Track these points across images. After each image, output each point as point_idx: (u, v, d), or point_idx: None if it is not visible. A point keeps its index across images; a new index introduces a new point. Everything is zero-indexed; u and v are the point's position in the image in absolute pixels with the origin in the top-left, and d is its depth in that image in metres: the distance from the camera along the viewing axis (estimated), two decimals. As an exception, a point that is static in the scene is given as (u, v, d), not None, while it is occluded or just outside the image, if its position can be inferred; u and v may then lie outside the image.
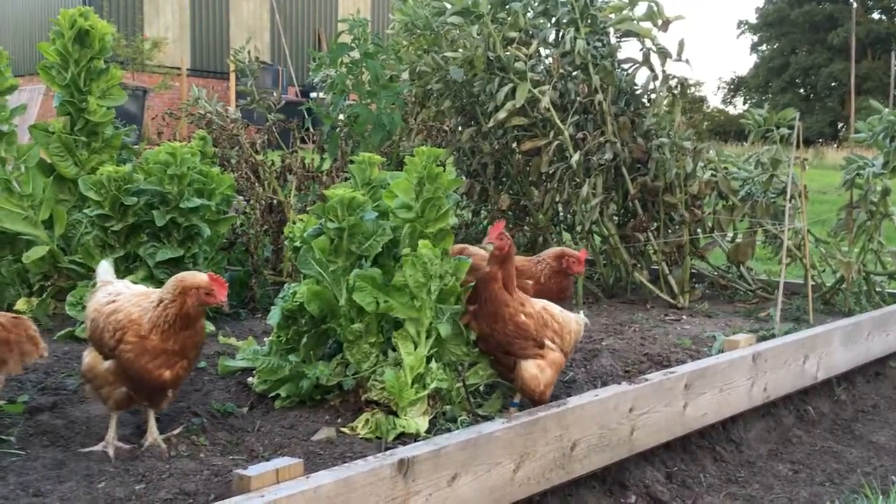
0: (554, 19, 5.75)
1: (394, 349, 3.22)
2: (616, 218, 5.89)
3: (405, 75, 6.02)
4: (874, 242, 5.63)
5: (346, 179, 4.17)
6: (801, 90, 48.52)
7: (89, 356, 2.88)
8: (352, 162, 3.64)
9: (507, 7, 5.69)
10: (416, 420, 3.06)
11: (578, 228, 5.88)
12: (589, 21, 5.63)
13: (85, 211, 4.45)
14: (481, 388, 3.42)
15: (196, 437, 2.96)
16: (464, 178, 6.16)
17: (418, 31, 5.94)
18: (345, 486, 2.34)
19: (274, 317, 3.41)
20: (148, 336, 2.71)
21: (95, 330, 2.82)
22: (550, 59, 5.68)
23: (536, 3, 5.75)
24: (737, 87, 54.02)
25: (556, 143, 5.49)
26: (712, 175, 5.75)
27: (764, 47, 51.74)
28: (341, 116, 5.81)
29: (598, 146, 5.51)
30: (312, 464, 2.74)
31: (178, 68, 19.39)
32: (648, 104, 5.79)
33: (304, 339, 3.37)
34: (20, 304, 4.61)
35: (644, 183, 5.54)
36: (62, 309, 4.47)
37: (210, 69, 20.74)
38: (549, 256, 3.93)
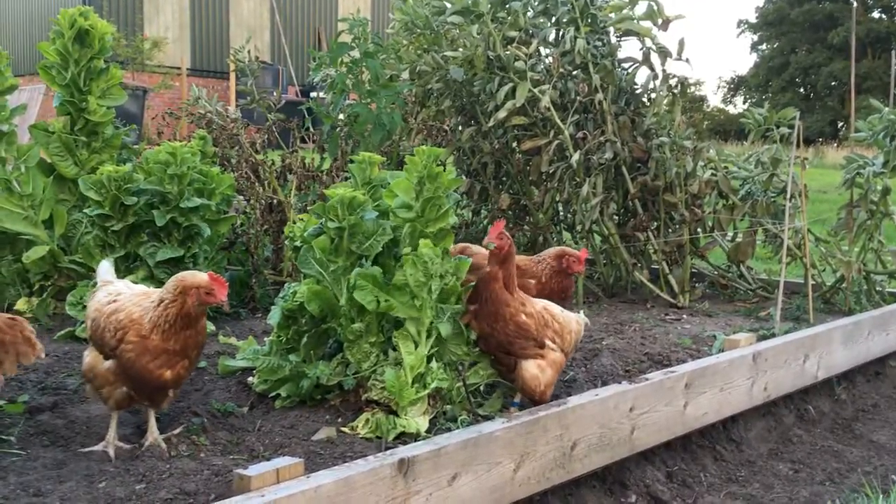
0: (554, 18, 5.75)
1: (394, 349, 3.22)
2: (616, 217, 5.89)
3: (405, 75, 6.01)
4: (874, 241, 5.63)
5: (347, 179, 4.17)
6: (802, 89, 48.51)
7: (90, 356, 2.88)
8: (352, 161, 3.64)
9: (507, 6, 5.69)
10: (417, 420, 3.06)
11: (578, 228, 5.88)
12: (589, 20, 5.63)
13: (85, 211, 4.45)
14: (482, 388, 3.42)
15: (196, 436, 2.96)
16: (464, 177, 6.16)
17: (418, 30, 5.94)
18: (345, 485, 2.34)
19: (274, 316, 3.41)
20: (149, 336, 2.71)
21: (96, 330, 2.82)
22: (550, 59, 5.68)
23: (536, 3, 5.75)
24: (737, 86, 54.03)
25: (557, 142, 5.49)
26: (712, 174, 5.75)
27: (764, 46, 51.74)
28: (341, 116, 5.80)
29: (598, 145, 5.51)
30: (313, 463, 2.74)
31: (178, 68, 19.39)
32: (648, 103, 5.79)
33: (305, 339, 3.37)
34: (20, 304, 4.62)
35: (644, 182, 5.54)
36: (62, 309, 4.47)
37: (210, 69, 20.74)
38: (550, 256, 3.93)
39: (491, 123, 5.60)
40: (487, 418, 3.08)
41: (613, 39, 5.79)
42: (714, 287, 6.10)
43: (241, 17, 21.36)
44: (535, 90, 5.41)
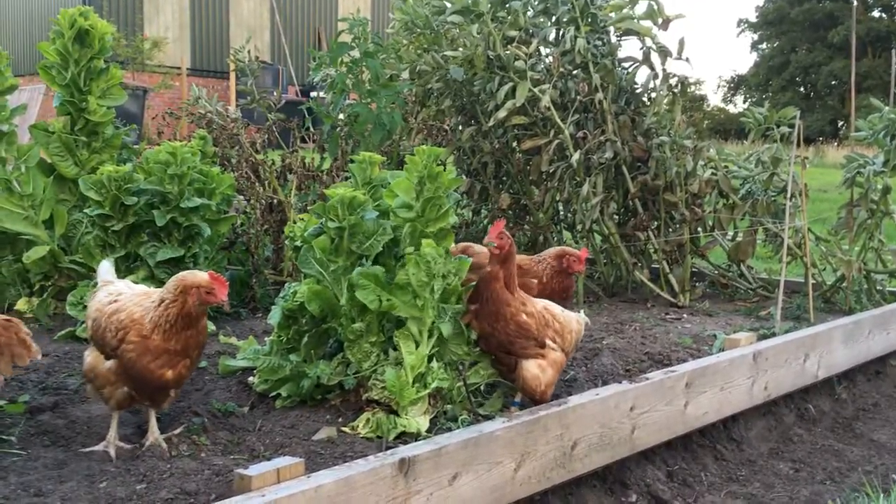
0: (554, 18, 5.75)
1: (394, 348, 3.22)
2: (616, 217, 5.89)
3: (405, 74, 6.01)
4: (875, 241, 5.63)
5: (347, 179, 4.17)
6: (802, 88, 48.51)
7: (91, 356, 2.88)
8: (352, 161, 3.64)
9: (507, 6, 5.69)
10: (417, 419, 3.06)
11: (579, 227, 5.88)
12: (589, 20, 5.62)
13: (85, 211, 4.45)
14: (482, 388, 3.42)
15: (197, 436, 2.96)
16: (464, 177, 6.16)
17: (418, 30, 5.94)
18: (346, 485, 2.34)
19: (274, 316, 3.41)
20: (150, 336, 2.71)
21: (97, 330, 2.82)
22: (551, 58, 5.68)
23: (536, 2, 5.75)
24: (737, 85, 54.01)
25: (557, 141, 5.49)
26: (713, 173, 5.75)
27: (764, 45, 51.73)
28: (341, 116, 5.80)
29: (598, 145, 5.51)
30: (313, 463, 2.74)
31: (178, 68, 19.39)
32: (649, 103, 5.79)
33: (305, 339, 3.37)
34: (21, 304, 4.62)
35: (644, 182, 5.54)
36: (63, 309, 4.47)
37: (210, 69, 20.74)
38: (550, 256, 3.93)
39: (491, 123, 5.60)
40: (488, 418, 3.08)
41: (613, 39, 5.79)
42: (714, 286, 6.10)
43: (241, 16, 21.36)
44: (536, 90, 5.41)
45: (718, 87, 56.53)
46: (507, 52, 5.49)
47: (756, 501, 3.50)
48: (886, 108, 5.64)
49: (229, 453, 2.87)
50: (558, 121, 5.47)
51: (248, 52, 6.13)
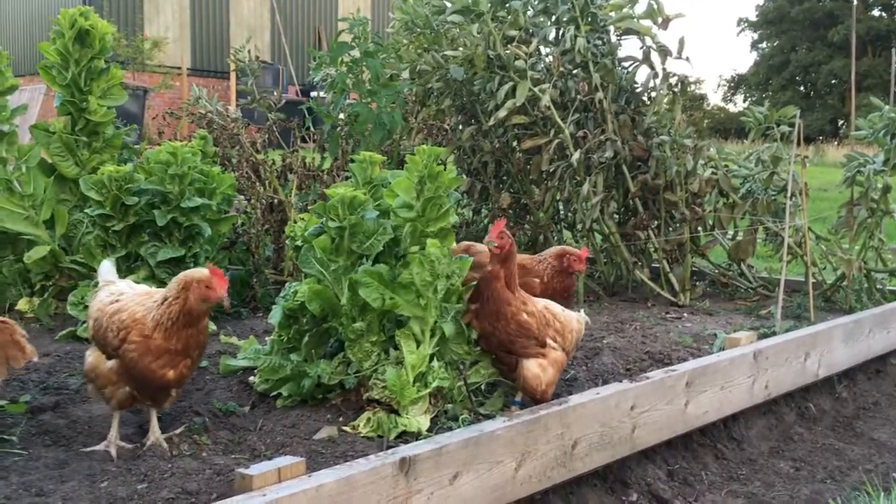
0: (554, 17, 5.75)
1: (395, 348, 3.22)
2: (617, 216, 5.89)
3: (405, 74, 6.01)
4: (875, 239, 5.63)
5: (347, 178, 4.17)
6: (802, 87, 48.50)
7: (92, 356, 2.88)
8: (352, 161, 3.64)
9: (507, 5, 5.69)
10: (418, 419, 3.07)
11: (579, 227, 5.88)
12: (589, 19, 5.63)
13: (86, 211, 4.46)
14: (483, 387, 3.42)
15: (198, 436, 2.96)
16: (464, 176, 6.16)
17: (418, 29, 5.94)
18: (346, 484, 2.34)
19: (275, 316, 3.42)
20: (151, 335, 2.71)
21: (99, 329, 2.83)
22: (551, 58, 5.68)
23: (536, 2, 5.75)
24: (737, 84, 53.99)
25: (557, 141, 5.49)
26: (713, 173, 5.75)
27: (764, 45, 51.71)
28: (342, 115, 5.81)
29: (598, 144, 5.51)
30: (314, 463, 2.74)
31: (179, 68, 19.39)
32: (649, 102, 5.79)
33: (306, 338, 3.38)
34: (22, 304, 4.62)
35: (645, 181, 5.54)
36: (64, 309, 4.47)
37: (210, 68, 20.74)
38: (551, 255, 3.93)
39: (491, 122, 5.60)
40: (488, 417, 3.09)
41: (613, 38, 5.79)
42: (715, 285, 6.10)
43: (241, 16, 21.36)
44: (536, 89, 5.41)
45: (718, 86, 56.58)
46: (508, 51, 5.49)
47: (757, 500, 3.50)
48: (886, 106, 5.64)
49: (230, 453, 2.88)
50: (558, 120, 5.47)
51: (249, 51, 6.13)
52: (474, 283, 3.27)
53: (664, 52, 5.57)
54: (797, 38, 47.84)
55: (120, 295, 2.90)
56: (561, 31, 5.72)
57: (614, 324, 4.94)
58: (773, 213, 5.69)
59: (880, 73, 38.71)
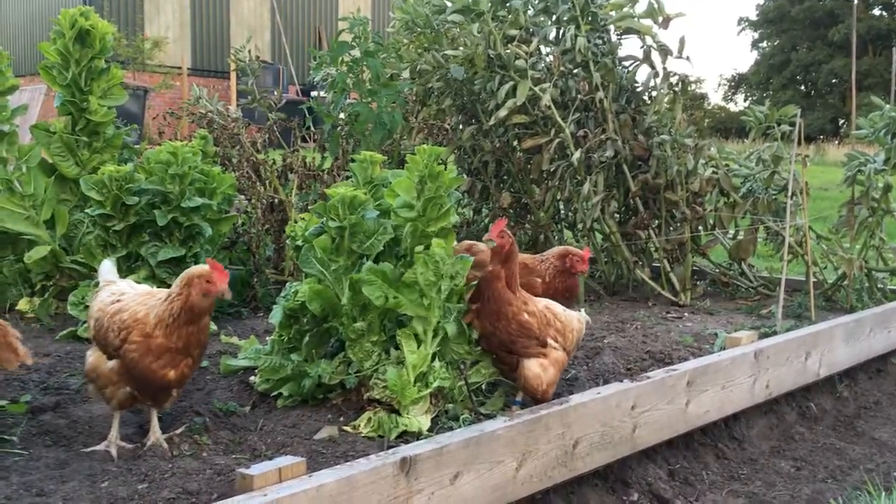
0: (554, 17, 5.75)
1: (396, 348, 3.22)
2: (617, 215, 5.89)
3: (406, 74, 6.01)
4: (876, 239, 5.63)
5: (348, 178, 4.17)
6: (802, 87, 48.50)
7: (93, 356, 2.88)
8: (353, 160, 3.64)
9: (508, 5, 5.69)
10: (419, 418, 3.06)
11: (580, 226, 5.88)
12: (589, 18, 5.62)
13: (86, 211, 4.46)
14: (483, 387, 3.42)
15: (199, 436, 2.96)
16: (465, 176, 6.16)
17: (419, 29, 5.94)
18: (347, 484, 2.34)
19: (276, 316, 3.41)
20: (153, 333, 2.71)
21: (100, 329, 2.83)
22: (551, 57, 5.68)
23: (537, 1, 5.75)
24: (738, 83, 54.00)
25: (557, 140, 5.49)
26: (713, 172, 5.75)
27: (765, 44, 51.71)
28: (342, 115, 5.80)
29: (599, 144, 5.51)
30: (315, 462, 2.74)
31: (179, 68, 19.39)
32: (649, 101, 5.79)
33: (306, 338, 3.37)
34: (22, 304, 4.62)
35: (645, 180, 5.54)
36: (64, 309, 4.47)
37: (211, 68, 20.75)
38: (553, 255, 3.92)
39: (492, 122, 5.60)
40: (489, 417, 3.09)
41: (614, 37, 5.79)
42: (715, 285, 6.10)
43: (241, 16, 21.36)
44: (536, 88, 5.40)
45: (719, 85, 56.62)
46: (508, 51, 5.49)
47: (757, 500, 3.50)
48: (887, 106, 5.64)
49: (231, 453, 2.88)
50: (559, 119, 5.47)
51: (249, 51, 6.13)
52: (475, 282, 3.27)
53: (665, 51, 5.57)
54: (798, 37, 47.83)
55: (121, 295, 2.90)
56: (561, 31, 5.72)
57: (615, 323, 4.94)
58: (774, 212, 5.69)
59: (881, 73, 38.70)
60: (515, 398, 3.31)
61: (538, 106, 5.48)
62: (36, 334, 4.32)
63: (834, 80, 45.07)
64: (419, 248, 3.16)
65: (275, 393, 3.36)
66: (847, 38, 36.13)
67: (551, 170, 5.62)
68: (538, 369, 3.14)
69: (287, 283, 3.55)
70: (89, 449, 2.84)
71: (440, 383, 3.12)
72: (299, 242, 3.41)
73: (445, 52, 5.72)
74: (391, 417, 3.07)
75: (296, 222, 3.59)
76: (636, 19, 5.53)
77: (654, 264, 5.90)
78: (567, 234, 6.32)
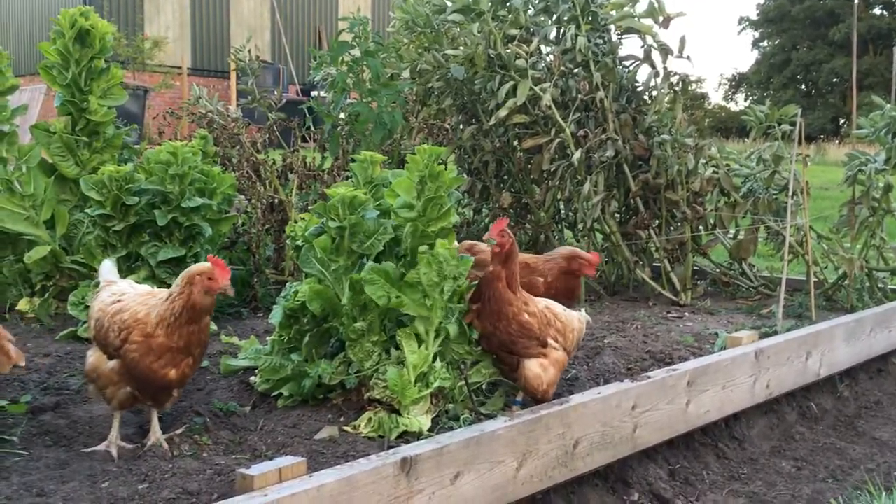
0: (555, 16, 5.74)
1: (396, 348, 3.21)
2: (618, 215, 5.89)
3: (406, 73, 6.01)
4: (876, 238, 5.63)
5: (348, 178, 4.17)
6: (803, 86, 48.49)
7: (93, 356, 2.88)
8: (353, 160, 3.63)
9: (508, 4, 5.68)
10: (419, 418, 3.06)
11: (580, 226, 5.87)
12: (590, 18, 5.62)
13: (86, 211, 4.46)
14: (484, 387, 3.42)
15: (199, 436, 2.96)
16: (465, 176, 6.16)
17: (419, 29, 5.93)
18: (347, 484, 2.34)
19: (276, 316, 3.41)
20: (154, 332, 2.71)
21: (100, 329, 2.83)
22: (551, 57, 5.67)
23: (537, 1, 5.75)
24: (738, 83, 54.00)
25: (558, 140, 5.48)
26: (714, 172, 5.75)
27: (765, 43, 51.71)
28: (342, 115, 5.80)
29: (599, 143, 5.50)
30: (315, 463, 2.74)
31: (179, 67, 19.38)
32: (650, 101, 5.79)
33: (307, 338, 3.37)
34: (22, 305, 4.62)
35: (646, 180, 5.54)
36: (64, 309, 4.47)
37: (211, 68, 20.75)
38: (561, 256, 3.92)
39: (492, 122, 5.60)
40: (490, 417, 3.08)
41: (614, 37, 5.78)
42: (716, 285, 6.10)
43: (241, 16, 21.36)
44: (537, 88, 5.40)
45: (720, 84, 56.64)
46: (508, 50, 5.48)
47: (758, 500, 3.50)
48: (888, 105, 5.64)
49: (231, 453, 2.88)
50: (559, 119, 5.46)
51: (249, 51, 6.13)
52: (476, 282, 3.27)
53: (665, 50, 5.56)
54: (798, 36, 47.83)
55: (122, 295, 2.90)
56: (562, 30, 5.72)
57: (615, 323, 4.94)
58: (775, 211, 5.69)
59: (881, 72, 38.69)
60: (516, 398, 3.31)
61: (538, 106, 5.48)
62: (36, 334, 4.32)
63: (834, 80, 45.08)
64: (423, 248, 3.15)
65: (275, 393, 3.36)
66: (848, 37, 36.12)
67: (552, 169, 5.61)
68: (538, 369, 3.14)
69: (287, 283, 3.55)
70: (90, 449, 2.84)
71: (441, 383, 3.12)
72: (299, 242, 3.41)
73: (446, 52, 5.72)
74: (391, 417, 3.07)
75: (296, 222, 3.59)
76: (636, 19, 5.53)
77: (654, 264, 5.90)
78: (567, 233, 6.31)
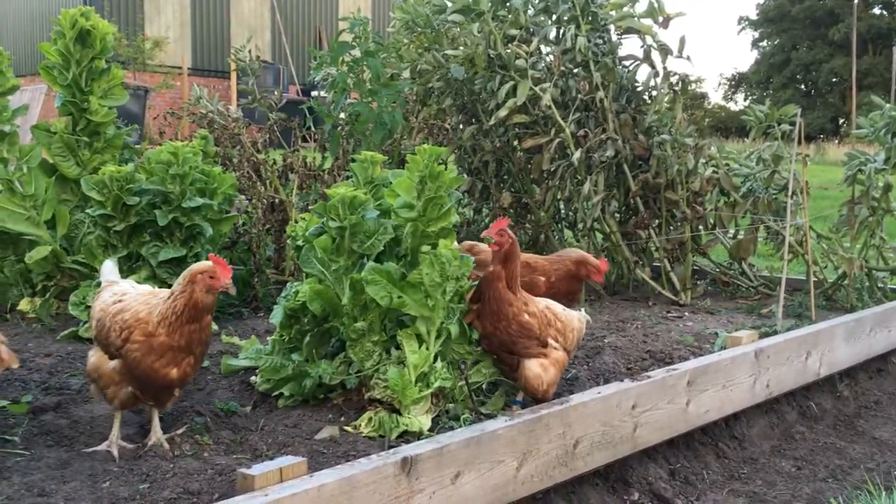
0: (555, 17, 5.75)
1: (397, 347, 3.22)
2: (618, 215, 5.89)
3: (406, 73, 6.02)
4: (876, 238, 5.63)
5: (348, 178, 4.17)
6: (803, 86, 48.49)
7: (95, 356, 2.89)
8: (353, 160, 3.64)
9: (508, 4, 5.69)
10: (420, 418, 3.07)
11: (580, 226, 5.88)
12: (590, 18, 5.62)
13: (87, 211, 4.46)
14: (484, 387, 3.42)
15: (200, 436, 2.96)
16: (465, 175, 6.16)
17: (419, 29, 5.94)
18: (348, 484, 2.34)
19: (276, 316, 3.42)
20: (155, 332, 2.71)
21: (102, 329, 2.83)
22: (551, 57, 5.68)
23: (537, 1, 5.75)
24: (738, 83, 53.99)
25: (558, 140, 5.49)
26: (714, 172, 5.75)
27: (765, 43, 51.70)
28: (342, 115, 5.81)
29: (599, 143, 5.51)
30: (316, 462, 2.74)
31: (180, 67, 19.38)
32: (650, 101, 5.79)
33: (307, 338, 3.38)
34: (23, 305, 4.63)
35: (645, 180, 5.54)
36: (65, 309, 4.48)
37: (211, 68, 20.74)
38: (570, 259, 3.93)
39: (492, 122, 5.60)
40: (490, 417, 3.09)
41: (614, 37, 5.79)
42: (716, 284, 6.10)
43: (241, 16, 21.36)
44: (536, 88, 5.41)
45: (719, 84, 56.63)
46: (508, 50, 5.49)
47: (758, 499, 3.50)
48: (887, 105, 5.64)
49: (232, 453, 2.88)
50: (559, 119, 5.47)
51: (249, 51, 6.14)
52: (476, 282, 3.28)
53: (665, 50, 5.57)
54: (798, 36, 47.82)
55: (123, 295, 2.91)
56: (561, 30, 5.72)
57: (615, 323, 4.94)
58: (775, 211, 5.69)
59: (881, 72, 38.68)
60: (516, 398, 3.32)
61: (538, 106, 5.49)
62: (37, 334, 4.33)
63: (834, 80, 45.08)
64: (425, 248, 3.16)
65: (276, 393, 3.36)
66: (847, 37, 36.13)
67: (552, 169, 5.62)
68: (539, 369, 3.15)
69: (288, 283, 3.56)
70: (91, 449, 2.84)
71: (441, 383, 3.13)
72: (300, 242, 3.41)
73: (446, 52, 5.72)
74: (392, 417, 3.07)
75: (296, 222, 3.59)
76: (636, 19, 5.53)
77: (654, 264, 5.90)
78: (567, 233, 6.32)
